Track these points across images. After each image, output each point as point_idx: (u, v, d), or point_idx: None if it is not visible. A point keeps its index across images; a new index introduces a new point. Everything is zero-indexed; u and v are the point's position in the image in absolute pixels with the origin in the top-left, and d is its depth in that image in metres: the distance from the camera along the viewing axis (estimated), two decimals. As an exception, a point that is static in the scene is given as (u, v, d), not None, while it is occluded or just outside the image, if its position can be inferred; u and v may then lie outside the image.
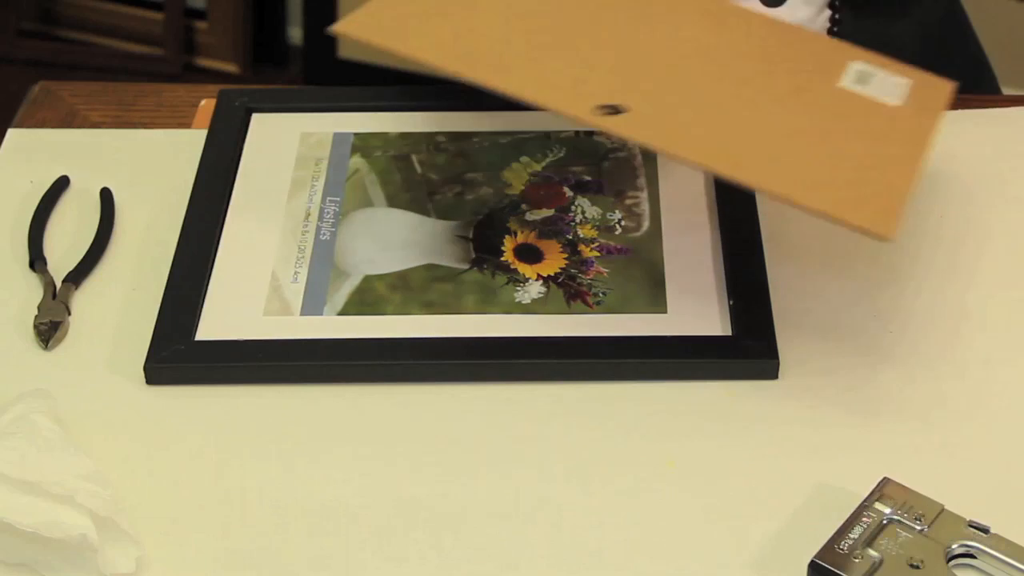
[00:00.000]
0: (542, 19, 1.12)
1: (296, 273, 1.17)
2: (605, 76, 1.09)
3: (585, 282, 1.15)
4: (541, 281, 1.15)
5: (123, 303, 1.15)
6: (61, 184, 1.26)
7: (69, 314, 1.14)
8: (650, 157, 1.25)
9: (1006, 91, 1.52)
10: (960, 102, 1.31)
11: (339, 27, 1.03)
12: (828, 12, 1.39)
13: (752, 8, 1.23)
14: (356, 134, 1.29)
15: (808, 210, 0.98)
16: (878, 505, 0.96)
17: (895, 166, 1.04)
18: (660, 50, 1.13)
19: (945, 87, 1.16)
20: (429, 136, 1.28)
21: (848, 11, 1.39)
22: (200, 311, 1.13)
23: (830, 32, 1.38)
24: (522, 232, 1.20)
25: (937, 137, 1.09)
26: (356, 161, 1.27)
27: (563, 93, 1.05)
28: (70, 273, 1.17)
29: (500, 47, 1.08)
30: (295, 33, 3.03)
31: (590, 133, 1.27)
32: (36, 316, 1.13)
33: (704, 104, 1.07)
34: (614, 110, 1.03)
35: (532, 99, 1.02)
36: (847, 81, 1.12)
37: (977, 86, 1.43)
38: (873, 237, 0.97)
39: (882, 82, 1.12)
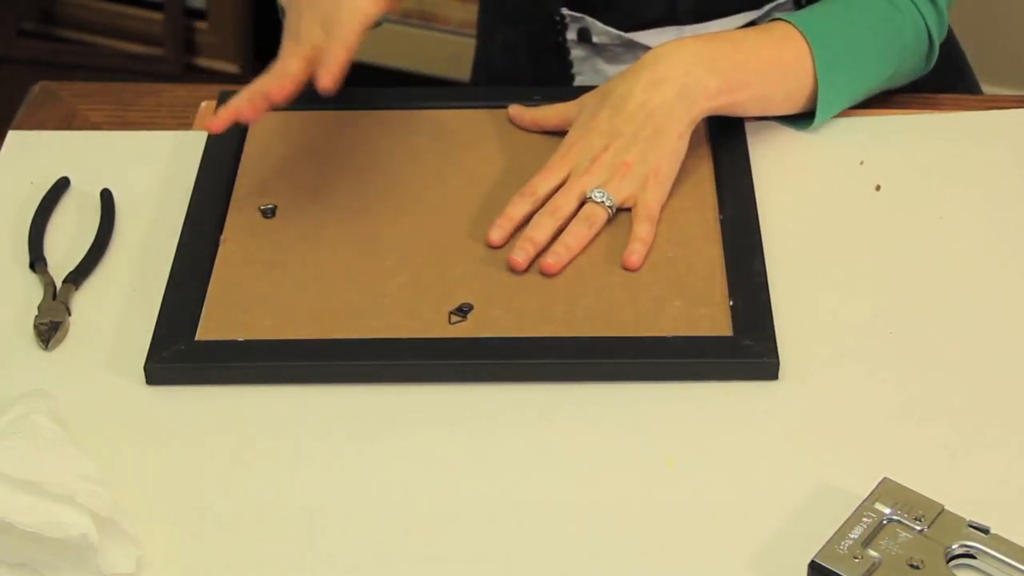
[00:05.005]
0: (350, 266, 1.16)
1: (296, 273, 1.17)
2: (440, 284, 1.14)
3: None
4: None
5: (123, 303, 1.15)
6: (61, 185, 1.26)
7: (69, 314, 1.14)
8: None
9: (986, 90, 1.52)
10: (941, 102, 1.31)
11: (200, 336, 1.10)
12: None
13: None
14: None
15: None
16: (878, 505, 0.96)
17: (703, 270, 1.14)
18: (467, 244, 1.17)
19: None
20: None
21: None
22: (200, 311, 1.13)
23: None
24: None
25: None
26: (355, 162, 1.27)
27: (418, 320, 1.11)
28: (70, 274, 1.17)
29: (343, 299, 1.13)
30: (295, 33, 3.01)
31: None
32: (36, 316, 1.13)
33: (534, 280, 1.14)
34: (462, 312, 1.11)
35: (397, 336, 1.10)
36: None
37: (955, 85, 1.42)
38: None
39: None
